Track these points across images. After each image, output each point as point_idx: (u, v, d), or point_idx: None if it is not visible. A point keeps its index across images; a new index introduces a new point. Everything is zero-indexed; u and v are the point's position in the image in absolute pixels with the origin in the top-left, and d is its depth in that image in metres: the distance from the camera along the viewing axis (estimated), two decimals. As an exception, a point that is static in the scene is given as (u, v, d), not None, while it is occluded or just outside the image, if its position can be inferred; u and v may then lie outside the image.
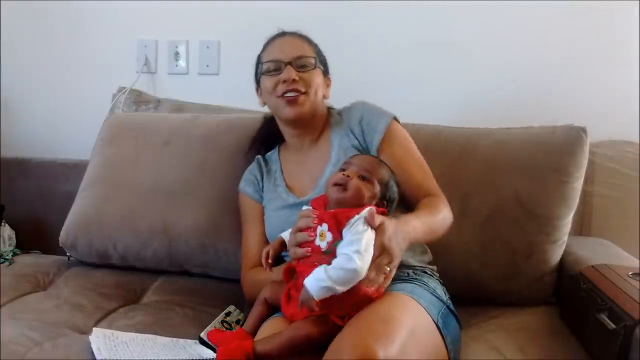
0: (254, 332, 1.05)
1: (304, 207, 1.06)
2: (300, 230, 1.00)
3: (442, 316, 1.05)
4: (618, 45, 1.66)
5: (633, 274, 1.10)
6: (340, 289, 0.91)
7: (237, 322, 1.21)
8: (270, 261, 1.07)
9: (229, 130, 1.53)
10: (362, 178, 1.02)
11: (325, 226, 0.97)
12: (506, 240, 1.33)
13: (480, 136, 1.43)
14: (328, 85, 1.29)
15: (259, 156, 1.37)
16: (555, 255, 1.33)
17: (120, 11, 1.91)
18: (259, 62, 1.29)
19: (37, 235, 1.71)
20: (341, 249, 0.93)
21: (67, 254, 1.55)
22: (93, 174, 1.56)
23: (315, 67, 1.23)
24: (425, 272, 1.16)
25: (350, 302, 0.94)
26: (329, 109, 1.31)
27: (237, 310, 1.25)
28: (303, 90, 1.20)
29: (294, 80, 1.19)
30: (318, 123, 1.27)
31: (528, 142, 1.40)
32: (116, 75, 1.91)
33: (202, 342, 1.10)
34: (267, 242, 1.22)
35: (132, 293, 1.39)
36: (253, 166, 1.35)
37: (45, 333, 1.10)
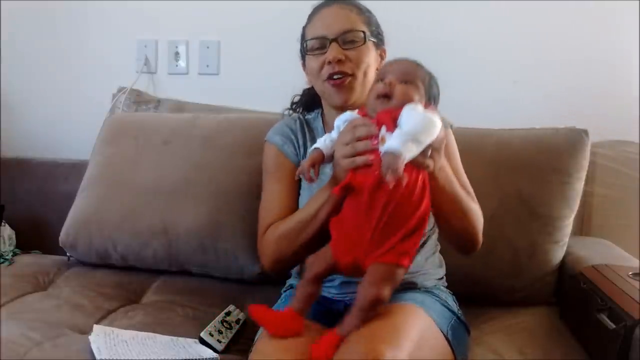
0: (303, 313, 0.95)
1: (351, 115, 0.97)
2: (360, 139, 0.90)
3: (452, 328, 1.03)
4: (618, 46, 1.66)
5: (633, 274, 1.11)
6: (425, 139, 0.86)
7: (237, 321, 1.21)
8: (315, 172, 0.95)
9: (229, 130, 1.53)
10: (405, 82, 0.94)
11: (384, 129, 0.88)
12: (509, 240, 1.33)
13: (483, 137, 1.43)
14: (383, 58, 1.17)
15: (299, 115, 1.26)
16: (557, 255, 1.34)
17: (120, 11, 1.91)
18: (303, 36, 1.17)
19: (37, 235, 1.71)
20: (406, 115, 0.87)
21: (67, 254, 1.55)
22: (93, 174, 1.56)
23: (365, 42, 1.10)
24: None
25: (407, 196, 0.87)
26: None
27: (237, 310, 1.25)
28: (350, 72, 1.08)
29: (339, 61, 1.08)
30: None
31: (530, 143, 1.40)
32: (116, 75, 1.91)
33: (202, 342, 1.10)
34: (295, 206, 1.14)
35: (132, 293, 1.39)
36: (291, 123, 1.23)
37: (45, 333, 1.10)
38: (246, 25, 1.84)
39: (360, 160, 0.89)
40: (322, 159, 0.96)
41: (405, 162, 0.84)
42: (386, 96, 0.92)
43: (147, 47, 1.92)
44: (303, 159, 1.17)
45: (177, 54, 1.91)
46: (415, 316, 0.96)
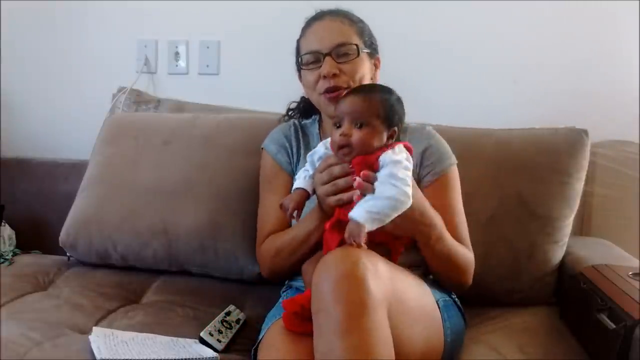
0: None
1: (324, 150, 1.02)
2: (338, 177, 0.95)
3: (445, 302, 1.05)
4: (618, 46, 1.66)
5: (633, 274, 1.10)
6: (391, 215, 0.90)
7: (237, 321, 1.21)
8: (297, 214, 1.00)
9: (229, 130, 1.53)
10: (359, 127, 0.96)
11: (362, 173, 0.94)
12: (509, 240, 1.33)
13: (482, 137, 1.43)
14: (377, 67, 1.19)
15: (295, 121, 1.29)
16: (557, 255, 1.34)
17: (120, 11, 1.91)
18: (298, 50, 1.20)
19: (37, 235, 1.71)
20: (383, 180, 0.92)
21: (67, 254, 1.54)
22: (93, 174, 1.56)
23: (358, 55, 1.12)
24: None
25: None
26: None
27: (237, 310, 1.25)
28: (345, 85, 1.11)
29: (334, 75, 1.10)
30: None
31: (530, 143, 1.40)
32: (116, 75, 1.91)
33: (202, 342, 1.10)
34: None
35: (132, 293, 1.39)
36: (286, 129, 1.27)
37: (45, 333, 1.10)
38: (246, 25, 1.84)
39: (346, 197, 0.94)
40: (307, 198, 1.01)
41: (367, 231, 0.89)
42: (346, 146, 0.95)
43: (147, 47, 1.92)
44: (297, 166, 1.22)
45: (177, 54, 1.91)
46: (411, 274, 1.01)
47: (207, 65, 1.90)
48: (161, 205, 1.45)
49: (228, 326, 1.17)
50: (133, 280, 1.44)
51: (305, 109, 1.31)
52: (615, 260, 1.26)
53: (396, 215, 0.91)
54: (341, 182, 0.94)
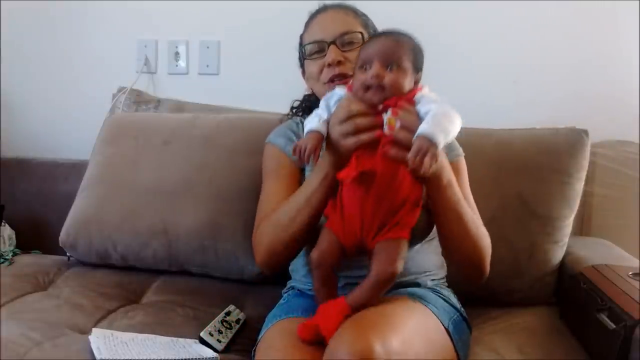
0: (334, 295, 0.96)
1: (341, 92, 0.94)
2: (356, 116, 0.88)
3: (454, 322, 1.03)
4: (618, 46, 1.66)
5: (633, 274, 1.10)
6: (453, 132, 0.85)
7: (237, 321, 1.21)
8: (315, 157, 0.90)
9: (229, 130, 1.53)
10: (391, 69, 0.90)
11: (389, 112, 0.87)
12: (509, 240, 1.33)
13: (483, 137, 1.43)
14: None
15: (299, 119, 1.24)
16: (557, 255, 1.34)
17: (120, 11, 1.91)
18: (301, 43, 1.17)
19: (37, 235, 1.71)
20: (428, 106, 0.87)
21: (67, 254, 1.55)
22: (93, 174, 1.56)
23: (363, 43, 1.08)
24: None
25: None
26: None
27: (237, 310, 1.25)
28: (351, 73, 1.05)
29: (339, 62, 1.07)
30: None
31: (530, 143, 1.40)
32: (116, 75, 1.91)
33: (202, 342, 1.10)
34: None
35: (132, 293, 1.39)
36: (293, 125, 1.22)
37: (45, 333, 1.10)
38: (246, 25, 1.84)
39: (366, 137, 0.86)
40: (322, 140, 0.92)
41: (437, 151, 0.82)
42: (377, 87, 0.89)
43: (147, 47, 1.92)
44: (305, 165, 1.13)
45: (177, 54, 1.91)
46: (414, 307, 0.97)
47: (207, 65, 1.90)
48: (161, 205, 1.46)
49: (228, 326, 1.17)
50: (133, 280, 1.44)
51: (308, 107, 1.27)
52: (615, 260, 1.26)
53: (457, 131, 0.86)
54: (363, 120, 0.87)
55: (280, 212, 1.03)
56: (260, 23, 1.82)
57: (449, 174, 0.96)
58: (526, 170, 1.36)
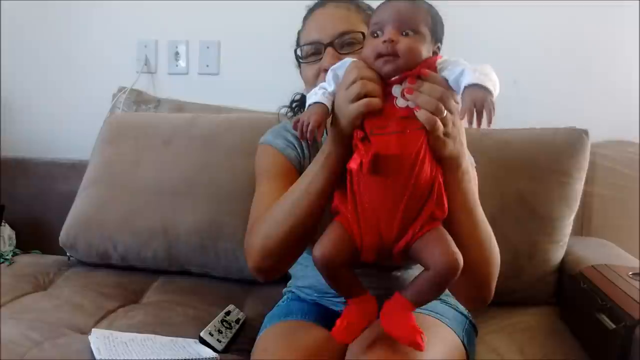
0: (362, 292, 0.83)
1: (351, 59, 0.83)
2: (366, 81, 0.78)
3: (467, 332, 1.02)
4: (618, 46, 1.66)
5: (633, 274, 1.10)
6: (497, 83, 0.77)
7: (237, 321, 1.21)
8: (320, 131, 0.79)
9: (229, 130, 1.53)
10: (407, 34, 0.79)
11: (405, 84, 0.78)
12: (509, 240, 1.32)
13: (482, 137, 1.43)
14: None
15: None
16: (557, 255, 1.34)
17: (120, 11, 1.91)
18: (297, 42, 1.06)
19: (37, 235, 1.71)
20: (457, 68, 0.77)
21: (67, 254, 1.55)
22: (93, 174, 1.56)
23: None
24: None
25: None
26: None
27: (237, 310, 1.25)
28: None
29: None
30: None
31: (530, 142, 1.40)
32: (116, 75, 1.91)
33: (202, 342, 1.10)
34: None
35: (132, 293, 1.39)
36: (289, 126, 1.10)
37: (45, 333, 1.10)
38: (246, 25, 1.84)
39: (377, 101, 0.77)
40: (327, 115, 0.81)
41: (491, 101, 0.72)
42: (390, 55, 0.78)
43: (147, 47, 1.92)
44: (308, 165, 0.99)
45: (177, 54, 1.91)
46: (436, 329, 0.93)
47: (207, 65, 1.90)
48: (161, 205, 1.46)
49: (228, 326, 1.17)
50: (133, 280, 1.44)
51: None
52: (615, 260, 1.26)
53: (498, 85, 0.78)
54: (373, 85, 0.77)
55: (274, 208, 0.91)
56: (260, 23, 1.82)
57: (467, 162, 0.86)
58: (526, 170, 1.36)
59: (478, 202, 0.89)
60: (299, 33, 1.07)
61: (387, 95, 0.79)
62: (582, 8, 1.65)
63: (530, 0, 1.67)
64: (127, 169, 1.53)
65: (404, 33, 0.79)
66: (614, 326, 0.97)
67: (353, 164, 0.76)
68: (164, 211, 1.45)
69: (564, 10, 1.66)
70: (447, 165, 0.82)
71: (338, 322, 0.81)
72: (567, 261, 1.34)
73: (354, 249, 0.81)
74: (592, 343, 1.09)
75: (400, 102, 0.78)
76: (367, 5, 1.04)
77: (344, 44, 0.97)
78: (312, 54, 1.00)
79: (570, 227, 1.36)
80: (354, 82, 0.78)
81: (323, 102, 0.80)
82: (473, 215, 0.86)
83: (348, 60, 0.83)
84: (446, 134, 0.79)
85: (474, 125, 0.72)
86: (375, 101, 0.77)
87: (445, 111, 0.77)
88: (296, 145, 1.07)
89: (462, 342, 0.98)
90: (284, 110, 1.20)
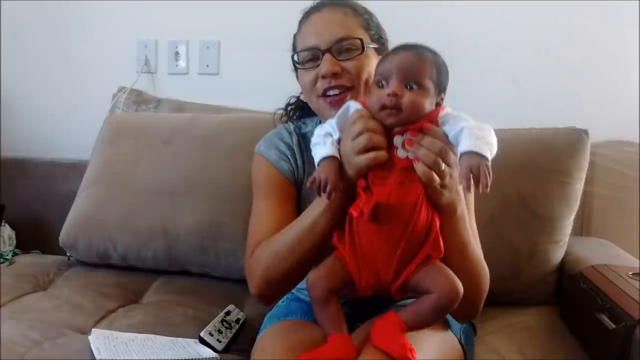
0: (344, 331, 0.86)
1: (355, 106, 0.85)
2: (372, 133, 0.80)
3: (464, 332, 1.03)
4: (618, 46, 1.66)
5: (633, 274, 1.10)
6: (495, 145, 0.80)
7: (237, 321, 1.21)
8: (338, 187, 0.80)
9: (229, 130, 1.53)
10: (411, 88, 0.81)
11: (406, 135, 0.80)
12: (509, 240, 1.33)
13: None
14: None
15: (295, 128, 1.10)
16: (557, 255, 1.34)
17: (120, 11, 1.91)
18: (294, 46, 1.05)
19: (37, 235, 1.71)
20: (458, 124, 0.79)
21: (67, 254, 1.55)
22: (93, 174, 1.56)
23: (363, 50, 0.96)
24: None
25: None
26: None
27: (237, 310, 1.25)
28: (349, 84, 0.95)
29: (335, 74, 0.95)
30: None
31: (530, 142, 1.40)
32: (116, 75, 1.91)
33: (202, 342, 1.10)
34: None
35: (132, 293, 1.39)
36: (286, 136, 1.08)
37: (45, 333, 1.10)
38: (246, 25, 1.84)
39: (382, 154, 0.79)
40: (340, 168, 0.82)
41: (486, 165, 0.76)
42: (393, 108, 0.80)
43: (147, 47, 1.92)
44: (305, 177, 1.05)
45: (177, 54, 1.91)
46: (433, 328, 0.92)
47: (207, 65, 1.90)
48: (161, 205, 1.46)
49: (228, 326, 1.17)
50: (133, 280, 1.44)
51: (305, 107, 1.14)
52: (615, 260, 1.26)
53: (495, 146, 0.80)
54: (379, 138, 0.79)
55: (277, 241, 0.94)
56: (260, 23, 1.82)
57: (463, 206, 0.89)
58: (526, 170, 1.36)
59: (472, 241, 0.92)
60: (294, 37, 1.06)
61: (389, 144, 0.82)
62: (581, 8, 1.65)
63: (530, 0, 1.67)
64: (127, 169, 1.53)
65: (408, 87, 0.81)
66: (614, 326, 0.97)
67: (354, 211, 0.80)
68: (164, 211, 1.45)
69: (564, 10, 1.66)
70: (444, 211, 0.85)
71: (312, 352, 0.83)
72: (567, 261, 1.34)
73: (346, 280, 0.85)
74: (592, 343, 1.09)
75: (401, 153, 0.81)
76: (364, 8, 1.03)
77: (341, 50, 0.96)
78: (309, 60, 0.99)
79: (570, 227, 1.36)
80: (360, 133, 0.80)
81: (334, 154, 0.83)
82: (467, 251, 0.90)
83: (351, 107, 0.85)
84: (443, 186, 0.82)
85: (472, 190, 0.75)
86: (382, 155, 0.80)
87: (443, 164, 0.80)
88: (289, 156, 1.06)
89: (460, 341, 0.99)
90: (279, 113, 1.20)
